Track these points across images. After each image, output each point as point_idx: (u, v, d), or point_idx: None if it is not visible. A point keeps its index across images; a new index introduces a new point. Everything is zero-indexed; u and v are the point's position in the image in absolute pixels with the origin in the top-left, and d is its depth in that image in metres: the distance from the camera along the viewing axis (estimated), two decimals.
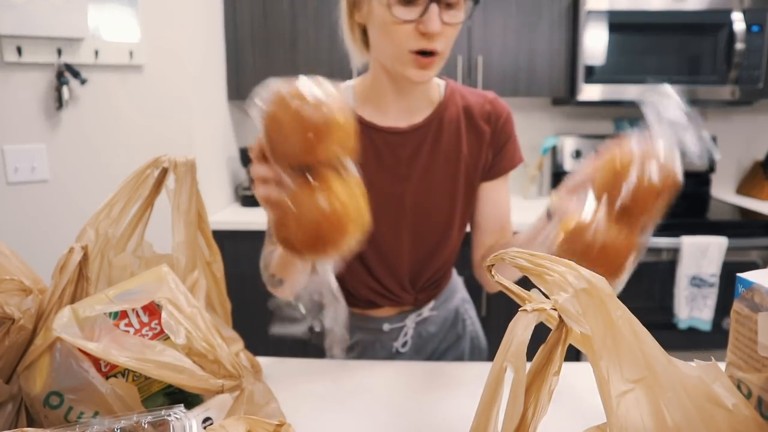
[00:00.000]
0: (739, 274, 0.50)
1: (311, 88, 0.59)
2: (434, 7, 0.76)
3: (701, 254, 1.94)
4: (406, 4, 0.76)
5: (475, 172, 0.95)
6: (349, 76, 2.23)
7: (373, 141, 0.90)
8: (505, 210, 0.98)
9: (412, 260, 0.96)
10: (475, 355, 1.11)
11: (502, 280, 0.44)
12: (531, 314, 0.36)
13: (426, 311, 1.02)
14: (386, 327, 1.01)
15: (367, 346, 1.03)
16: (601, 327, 0.36)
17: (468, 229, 1.01)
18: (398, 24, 0.77)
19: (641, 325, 0.37)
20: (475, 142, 0.93)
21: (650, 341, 0.37)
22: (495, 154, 0.95)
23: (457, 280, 1.12)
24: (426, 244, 0.96)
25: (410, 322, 1.01)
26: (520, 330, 0.35)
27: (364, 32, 0.89)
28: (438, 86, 0.95)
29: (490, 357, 1.09)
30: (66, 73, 1.69)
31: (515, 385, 0.34)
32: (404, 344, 1.02)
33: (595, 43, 2.11)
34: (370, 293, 0.99)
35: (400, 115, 0.91)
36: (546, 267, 0.39)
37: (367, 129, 0.89)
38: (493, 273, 0.44)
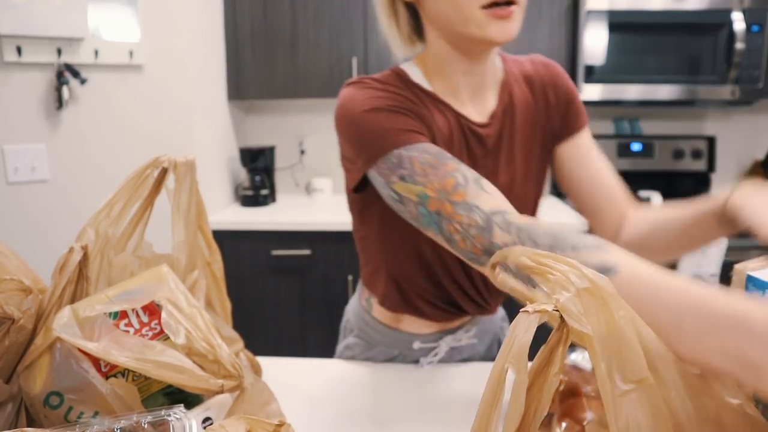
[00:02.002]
0: (749, 272, 0.49)
1: None
2: None
3: (701, 254, 1.94)
4: None
5: (548, 146, 0.85)
6: (349, 76, 2.24)
7: (464, 134, 0.78)
8: (602, 164, 0.85)
9: None
10: None
11: (508, 279, 0.44)
12: (532, 315, 0.35)
13: (465, 338, 0.93)
14: (416, 345, 0.92)
15: (390, 359, 0.95)
16: (602, 326, 0.36)
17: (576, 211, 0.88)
18: None
19: (645, 324, 0.37)
20: (543, 112, 0.84)
21: (654, 340, 0.37)
22: (563, 116, 0.85)
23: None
24: None
25: (444, 344, 0.92)
26: (521, 331, 0.35)
27: (413, 14, 0.78)
28: (497, 61, 0.84)
29: None
30: (66, 73, 1.69)
31: (517, 387, 0.34)
32: (431, 362, 0.93)
33: (595, 42, 2.11)
34: (441, 301, 0.89)
35: (470, 99, 0.80)
36: (549, 266, 0.38)
37: (458, 120, 0.78)
38: (497, 272, 0.44)
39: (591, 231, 0.86)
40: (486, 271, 0.60)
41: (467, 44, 0.73)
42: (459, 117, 0.78)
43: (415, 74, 0.79)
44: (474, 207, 0.61)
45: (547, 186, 2.53)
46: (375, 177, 0.72)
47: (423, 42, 0.81)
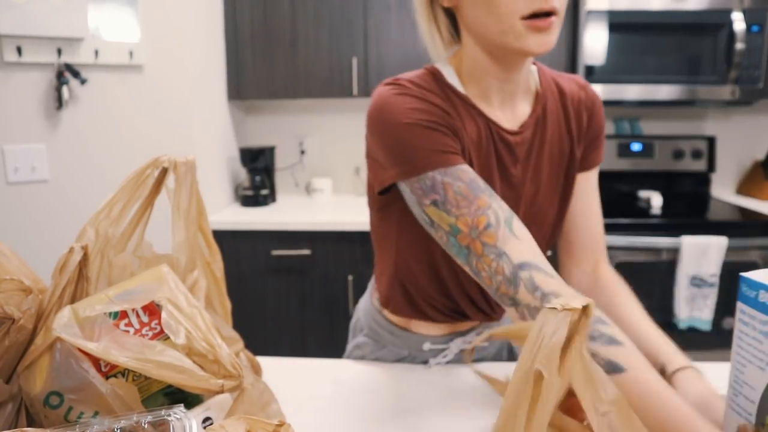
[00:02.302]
0: (742, 274, 0.50)
1: None
2: None
3: (701, 254, 1.94)
4: None
5: (574, 166, 0.85)
6: (349, 76, 2.24)
7: (495, 141, 0.77)
8: (595, 210, 0.87)
9: None
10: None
11: (480, 371, 0.45)
12: (561, 313, 0.34)
13: (476, 341, 0.91)
14: (426, 346, 0.93)
15: (400, 359, 0.96)
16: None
17: None
18: None
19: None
20: (574, 132, 0.83)
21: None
22: (588, 144, 0.85)
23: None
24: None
25: (455, 346, 0.92)
26: (549, 329, 0.34)
27: (451, 18, 0.78)
28: (532, 71, 0.83)
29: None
30: (66, 73, 1.69)
31: (548, 390, 0.33)
32: (438, 363, 0.93)
33: (595, 42, 2.11)
34: (448, 309, 0.90)
35: (502, 107, 0.79)
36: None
37: (489, 126, 0.77)
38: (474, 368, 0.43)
39: (556, 259, 0.88)
40: (507, 310, 0.65)
41: (504, 53, 0.72)
42: (489, 123, 0.77)
43: (450, 75, 0.78)
44: (503, 254, 0.64)
45: None
46: (406, 191, 0.73)
47: (459, 44, 0.80)
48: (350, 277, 2.10)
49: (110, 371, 0.57)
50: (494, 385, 0.75)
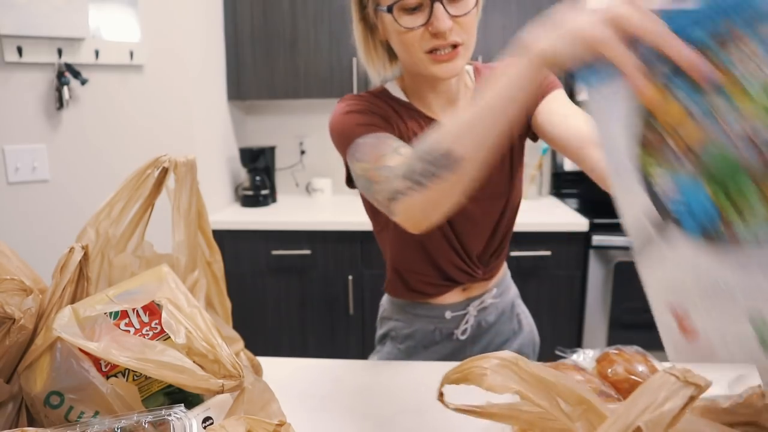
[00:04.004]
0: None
1: None
2: (438, 6, 0.76)
3: None
4: (411, 13, 0.78)
5: (524, 134, 0.95)
6: (349, 76, 2.24)
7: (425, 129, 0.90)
8: (576, 116, 0.84)
9: (478, 233, 0.97)
10: (532, 352, 1.14)
11: (455, 405, 0.46)
12: (680, 384, 0.32)
13: (489, 299, 1.04)
14: (448, 315, 1.02)
15: (426, 334, 1.04)
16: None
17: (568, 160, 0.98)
18: (407, 32, 0.79)
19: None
20: None
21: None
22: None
23: (510, 275, 1.14)
24: (489, 214, 0.97)
25: (473, 309, 1.02)
26: (661, 393, 0.32)
27: (388, 47, 0.92)
28: (468, 72, 0.97)
29: (542, 355, 1.13)
30: (66, 73, 1.69)
31: None
32: (464, 331, 1.03)
33: None
34: (440, 279, 1.00)
35: (444, 109, 0.93)
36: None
37: (428, 121, 0.91)
38: (445, 401, 0.45)
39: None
40: (393, 216, 0.74)
41: (423, 76, 0.87)
42: (431, 121, 0.91)
43: (395, 90, 0.94)
44: (387, 167, 0.75)
45: (544, 186, 2.53)
46: (350, 167, 0.85)
47: (398, 64, 0.94)
48: (350, 277, 2.10)
49: (110, 371, 0.57)
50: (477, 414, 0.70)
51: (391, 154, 0.76)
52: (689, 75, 0.44)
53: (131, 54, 1.81)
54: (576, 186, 2.48)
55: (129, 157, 1.86)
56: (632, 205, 0.50)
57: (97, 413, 0.54)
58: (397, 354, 1.06)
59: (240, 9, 2.24)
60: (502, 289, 1.08)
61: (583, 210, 2.18)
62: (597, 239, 1.99)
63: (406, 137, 0.88)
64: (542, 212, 2.17)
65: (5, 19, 1.56)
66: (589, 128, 0.80)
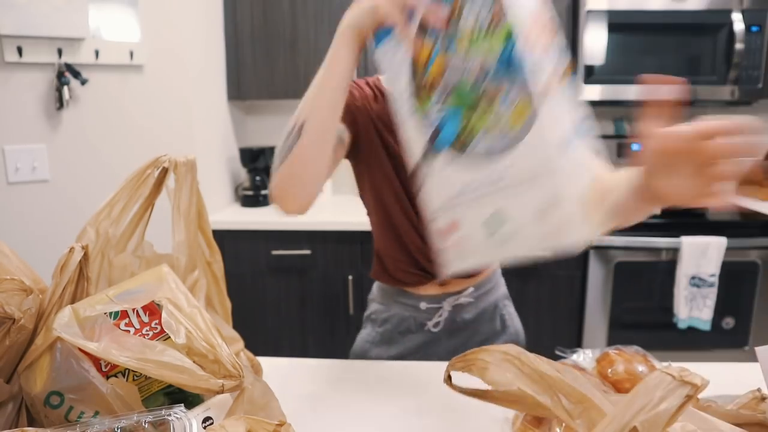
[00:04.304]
0: None
1: None
2: None
3: (701, 254, 1.94)
4: None
5: None
6: None
7: None
8: None
9: None
10: None
11: (460, 387, 0.47)
12: (679, 386, 0.32)
13: (465, 297, 1.05)
14: (423, 306, 1.04)
15: (402, 320, 1.07)
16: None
17: None
18: None
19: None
20: None
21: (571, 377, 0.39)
22: None
23: (499, 276, 1.14)
24: None
25: (447, 305, 1.05)
26: (657, 393, 0.32)
27: None
28: None
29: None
30: (66, 73, 1.69)
31: None
32: (436, 324, 1.05)
33: (595, 43, 2.11)
34: (413, 267, 1.03)
35: None
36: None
37: None
38: (452, 383, 0.46)
39: None
40: (271, 198, 0.84)
41: None
42: None
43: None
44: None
45: None
46: None
47: None
48: (350, 277, 2.10)
49: (111, 371, 0.57)
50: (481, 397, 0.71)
51: None
52: (432, 23, 0.61)
53: (131, 54, 1.81)
54: None
55: (129, 157, 1.86)
56: (416, 141, 0.67)
57: (97, 413, 0.54)
58: (374, 337, 1.10)
59: (240, 9, 2.24)
60: (484, 290, 1.09)
61: None
62: (597, 239, 1.99)
63: (387, 122, 0.93)
64: None
65: (5, 19, 1.56)
66: None
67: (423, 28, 0.62)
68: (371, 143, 0.95)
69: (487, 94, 0.59)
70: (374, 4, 0.67)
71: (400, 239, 1.02)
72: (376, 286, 1.14)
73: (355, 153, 0.98)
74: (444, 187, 0.66)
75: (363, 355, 1.11)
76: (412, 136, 0.68)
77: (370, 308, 1.14)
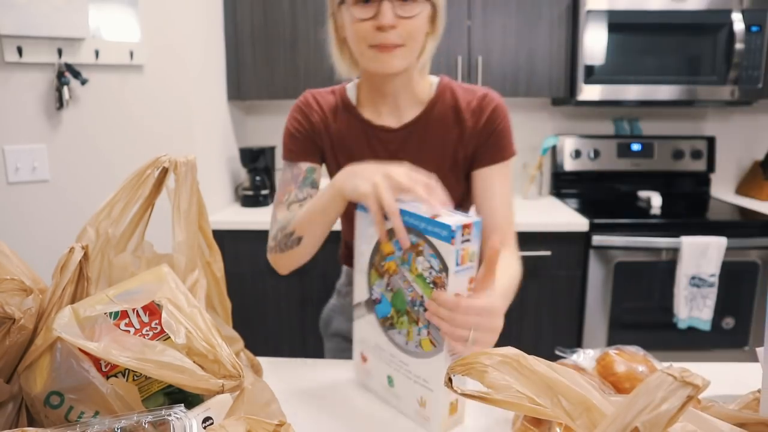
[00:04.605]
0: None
1: None
2: (386, 3, 0.84)
3: (701, 254, 1.94)
4: (364, 4, 0.86)
5: (460, 165, 1.00)
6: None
7: (368, 137, 1.00)
8: (497, 202, 0.98)
9: None
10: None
11: (465, 390, 0.47)
12: (677, 384, 0.32)
13: None
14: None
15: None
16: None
17: None
18: (358, 23, 0.86)
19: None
20: (459, 136, 0.98)
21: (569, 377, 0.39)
22: (479, 145, 0.98)
23: None
24: None
25: None
26: (658, 393, 0.32)
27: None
28: (431, 85, 1.01)
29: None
30: (66, 73, 1.69)
31: None
32: None
33: (595, 43, 2.11)
34: None
35: (390, 114, 0.99)
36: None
37: (364, 126, 1.00)
38: (454, 386, 0.47)
39: None
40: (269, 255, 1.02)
41: (368, 73, 0.96)
42: (366, 125, 0.99)
43: (351, 92, 1.03)
44: (274, 214, 1.01)
45: (544, 186, 2.53)
46: None
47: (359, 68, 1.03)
48: None
49: (110, 371, 0.57)
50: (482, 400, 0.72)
51: (284, 206, 0.98)
52: (399, 239, 0.73)
53: (131, 54, 1.81)
54: (576, 186, 2.48)
55: (129, 157, 1.86)
56: (361, 291, 0.84)
57: (97, 413, 0.54)
58: (338, 307, 1.19)
59: (240, 9, 2.24)
60: None
61: (583, 210, 2.18)
62: (597, 239, 1.99)
63: (342, 139, 1.00)
64: (542, 212, 2.17)
65: (5, 19, 1.56)
66: (500, 214, 0.97)
67: (392, 233, 0.74)
68: (331, 156, 1.03)
69: (413, 316, 0.75)
70: (361, 191, 0.76)
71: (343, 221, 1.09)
72: (344, 267, 1.21)
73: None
74: (369, 332, 0.84)
75: (328, 322, 1.20)
76: (359, 282, 0.84)
77: (338, 281, 1.22)
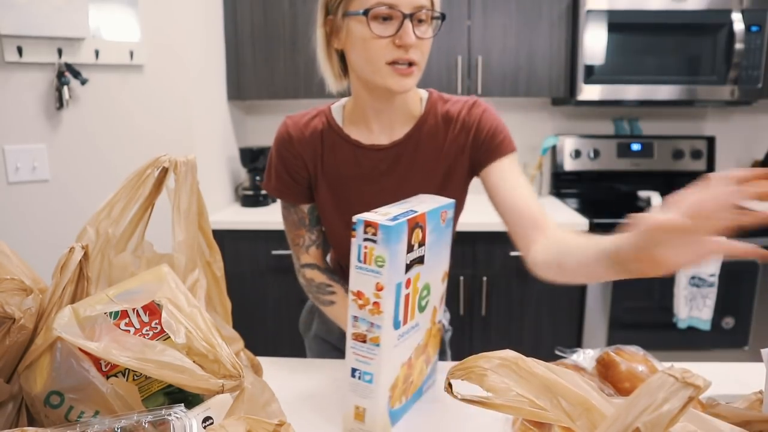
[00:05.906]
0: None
1: None
2: (408, 22, 0.84)
3: None
4: (383, 21, 0.85)
5: (455, 177, 0.99)
6: None
7: (357, 157, 0.99)
8: (518, 192, 0.94)
9: None
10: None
11: (466, 396, 0.47)
12: (679, 385, 0.32)
13: None
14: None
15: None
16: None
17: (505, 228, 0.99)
18: (376, 39, 0.85)
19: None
20: (454, 148, 0.98)
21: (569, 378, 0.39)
22: (477, 148, 0.97)
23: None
24: None
25: None
26: (660, 394, 0.32)
27: (341, 58, 0.97)
28: (420, 100, 1.01)
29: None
30: (66, 73, 1.69)
31: None
32: None
33: (595, 42, 2.11)
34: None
35: (382, 131, 0.99)
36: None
37: (352, 147, 0.99)
38: (453, 392, 0.46)
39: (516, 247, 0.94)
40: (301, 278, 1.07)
41: (375, 88, 0.93)
42: (355, 146, 0.98)
43: (337, 114, 1.02)
44: (296, 258, 1.07)
45: (544, 186, 2.53)
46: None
47: (347, 79, 1.01)
48: None
49: (110, 371, 0.57)
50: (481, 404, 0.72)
51: (302, 249, 1.05)
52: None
53: (131, 54, 1.81)
54: (576, 186, 2.48)
55: (129, 157, 1.86)
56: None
57: (97, 413, 0.54)
58: (315, 308, 1.18)
59: (240, 9, 2.24)
60: None
61: (583, 210, 2.18)
62: None
63: (330, 164, 1.00)
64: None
65: (5, 19, 1.56)
66: (530, 204, 0.92)
67: None
68: (322, 178, 1.02)
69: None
70: None
71: (336, 244, 1.08)
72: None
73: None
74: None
75: (308, 324, 1.20)
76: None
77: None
